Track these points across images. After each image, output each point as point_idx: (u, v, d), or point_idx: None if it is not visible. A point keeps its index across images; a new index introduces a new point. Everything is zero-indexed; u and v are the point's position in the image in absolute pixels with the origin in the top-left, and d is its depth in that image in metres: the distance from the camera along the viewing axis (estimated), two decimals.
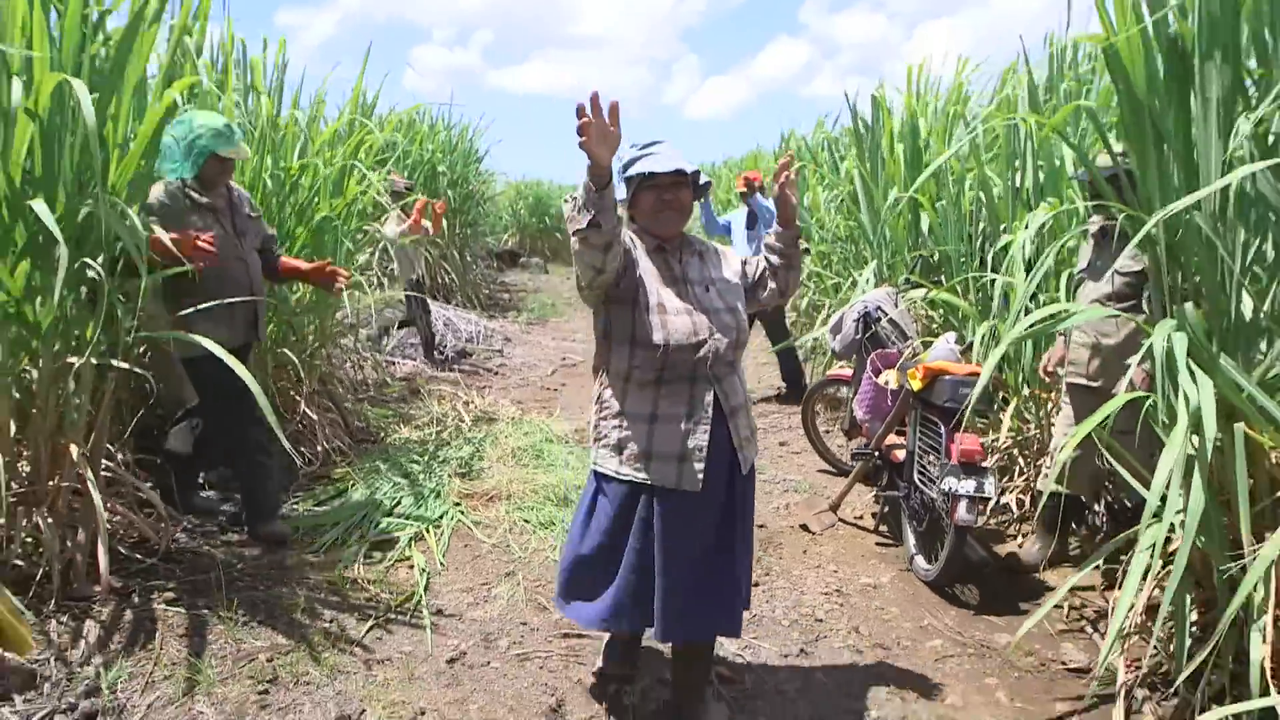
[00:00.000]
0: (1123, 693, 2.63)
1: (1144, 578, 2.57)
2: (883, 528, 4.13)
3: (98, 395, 3.23)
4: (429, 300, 8.19)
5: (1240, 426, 2.51)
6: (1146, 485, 2.56)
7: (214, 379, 3.18)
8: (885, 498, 4.03)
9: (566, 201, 2.11)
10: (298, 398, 4.72)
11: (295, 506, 4.10)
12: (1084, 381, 3.31)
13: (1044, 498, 3.11)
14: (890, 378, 3.89)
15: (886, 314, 4.24)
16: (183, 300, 3.34)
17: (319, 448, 4.65)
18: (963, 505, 3.18)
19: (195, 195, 3.42)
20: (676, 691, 2.56)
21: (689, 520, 2.29)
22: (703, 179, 2.40)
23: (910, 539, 3.69)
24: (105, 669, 2.59)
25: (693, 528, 2.29)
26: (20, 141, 2.82)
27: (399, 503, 4.16)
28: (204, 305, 3.29)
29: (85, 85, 2.76)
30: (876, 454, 4.03)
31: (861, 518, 4.29)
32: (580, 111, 1.94)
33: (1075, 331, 3.39)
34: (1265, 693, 2.31)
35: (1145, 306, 3.15)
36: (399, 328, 7.79)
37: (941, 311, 4.87)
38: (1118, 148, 3.28)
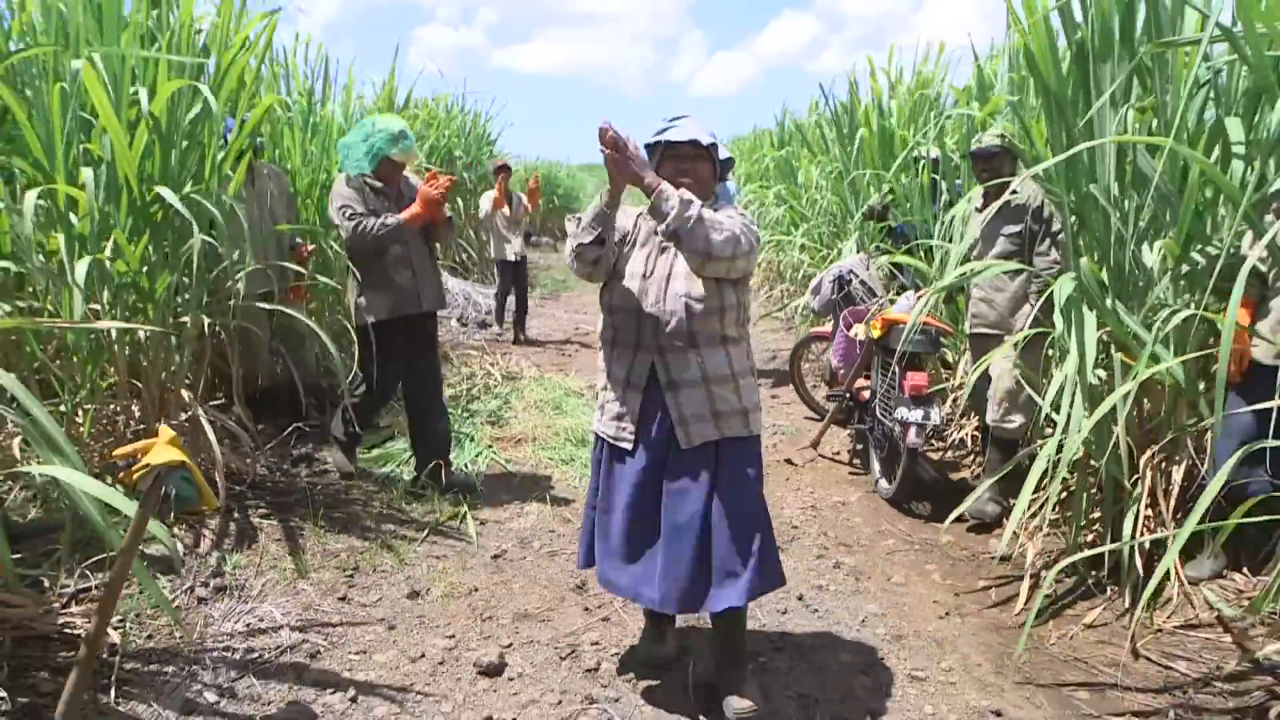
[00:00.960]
0: (1029, 571, 3.30)
1: (1046, 482, 3.24)
2: (855, 461, 4.81)
3: (199, 353, 3.92)
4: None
5: (1119, 356, 3.18)
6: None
7: (377, 341, 3.99)
8: (856, 432, 4.71)
9: (570, 220, 2.42)
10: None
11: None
12: (985, 330, 3.94)
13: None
14: (859, 330, 4.54)
15: (858, 276, 4.90)
16: (367, 273, 3.98)
17: None
18: (912, 431, 3.84)
19: (372, 184, 3.96)
20: (714, 662, 2.61)
21: (623, 477, 2.42)
22: (723, 154, 2.45)
23: (875, 465, 4.37)
24: (224, 560, 3.29)
25: (626, 485, 2.40)
26: (139, 141, 3.49)
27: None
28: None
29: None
30: (848, 395, 4.70)
31: (839, 454, 4.97)
32: (606, 141, 2.17)
33: (974, 289, 4.02)
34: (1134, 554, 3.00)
35: (1032, 262, 3.81)
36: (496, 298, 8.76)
37: (911, 273, 5.52)
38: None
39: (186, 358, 3.84)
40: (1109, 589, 3.23)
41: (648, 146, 2.43)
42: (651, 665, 2.70)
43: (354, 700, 2.52)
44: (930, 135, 5.32)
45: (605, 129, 2.15)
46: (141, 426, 3.78)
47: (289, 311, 3.97)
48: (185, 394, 3.77)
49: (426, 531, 3.77)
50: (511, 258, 8.39)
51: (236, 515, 3.71)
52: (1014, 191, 3.57)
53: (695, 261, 2.24)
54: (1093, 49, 3.31)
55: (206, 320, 3.77)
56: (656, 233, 2.34)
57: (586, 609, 3.13)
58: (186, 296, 3.76)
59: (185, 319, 3.70)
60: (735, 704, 2.40)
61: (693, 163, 2.37)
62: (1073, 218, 3.50)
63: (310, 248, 4.94)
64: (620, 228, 2.45)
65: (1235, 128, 2.95)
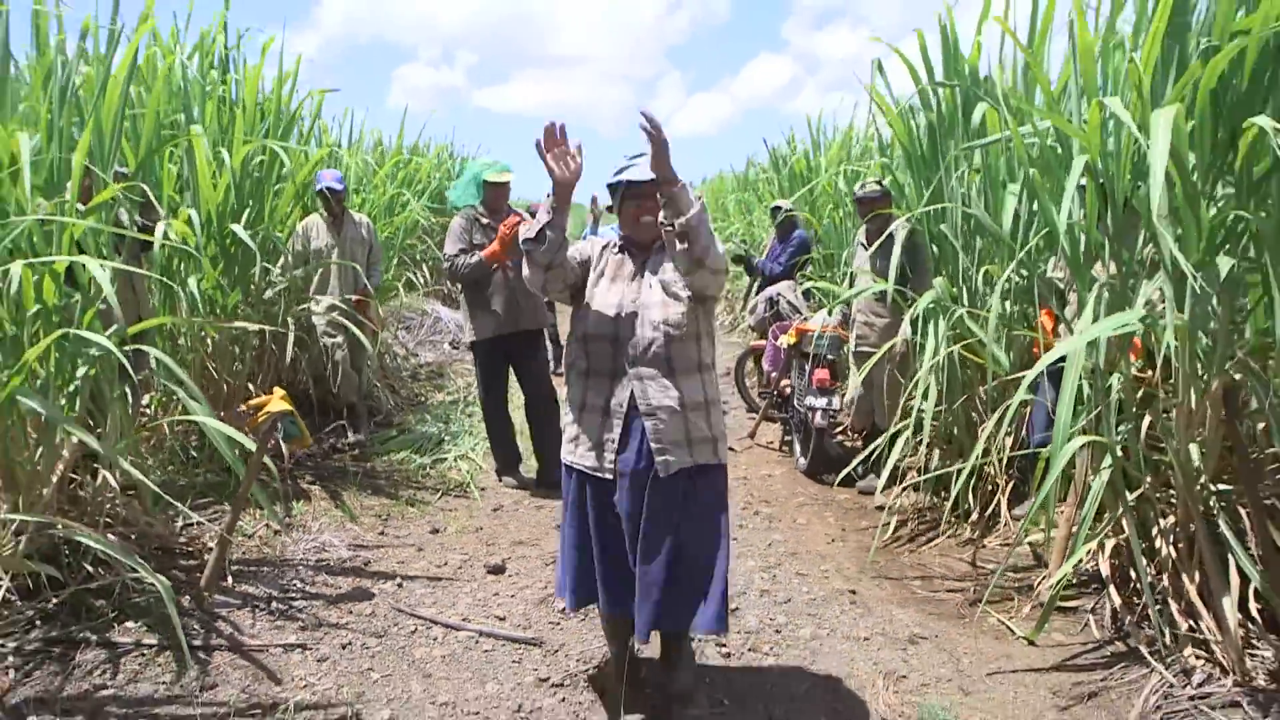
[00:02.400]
0: (897, 517, 4.39)
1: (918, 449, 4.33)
2: (783, 448, 5.90)
3: (260, 355, 4.97)
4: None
5: (957, 347, 4.29)
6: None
7: (480, 359, 4.87)
8: (782, 422, 5.81)
9: (522, 224, 2.49)
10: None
11: (374, 440, 5.83)
12: (868, 349, 4.94)
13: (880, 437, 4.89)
14: (784, 340, 5.65)
15: (785, 297, 6.02)
16: (472, 300, 4.78)
17: (385, 407, 6.37)
18: (818, 415, 4.93)
19: (481, 219, 4.76)
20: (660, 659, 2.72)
21: (608, 510, 2.41)
22: (697, 178, 2.85)
23: (796, 446, 5.46)
24: (289, 509, 4.30)
25: (613, 518, 2.41)
26: (221, 188, 4.55)
27: (442, 439, 5.89)
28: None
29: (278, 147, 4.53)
30: (775, 393, 5.80)
31: (771, 443, 6.06)
32: (548, 133, 2.22)
33: (858, 315, 5.02)
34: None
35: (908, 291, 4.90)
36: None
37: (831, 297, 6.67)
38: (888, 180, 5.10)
39: (249, 359, 4.89)
40: (957, 525, 4.31)
41: (609, 186, 2.47)
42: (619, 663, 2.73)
43: (400, 585, 3.56)
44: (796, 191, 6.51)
45: (649, 114, 2.13)
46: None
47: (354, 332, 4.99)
48: (250, 386, 4.81)
49: (440, 494, 4.81)
50: None
51: (292, 482, 4.72)
52: (890, 233, 4.69)
53: (688, 264, 2.26)
54: (940, 129, 4.49)
55: (265, 328, 4.82)
56: (665, 224, 2.26)
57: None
58: (248, 309, 4.81)
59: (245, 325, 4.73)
60: (677, 680, 2.60)
61: (654, 200, 2.34)
62: (934, 247, 4.66)
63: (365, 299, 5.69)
64: (583, 255, 2.49)
65: (1011, 199, 3.99)
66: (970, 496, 4.20)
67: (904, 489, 4.54)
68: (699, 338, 2.42)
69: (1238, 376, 2.88)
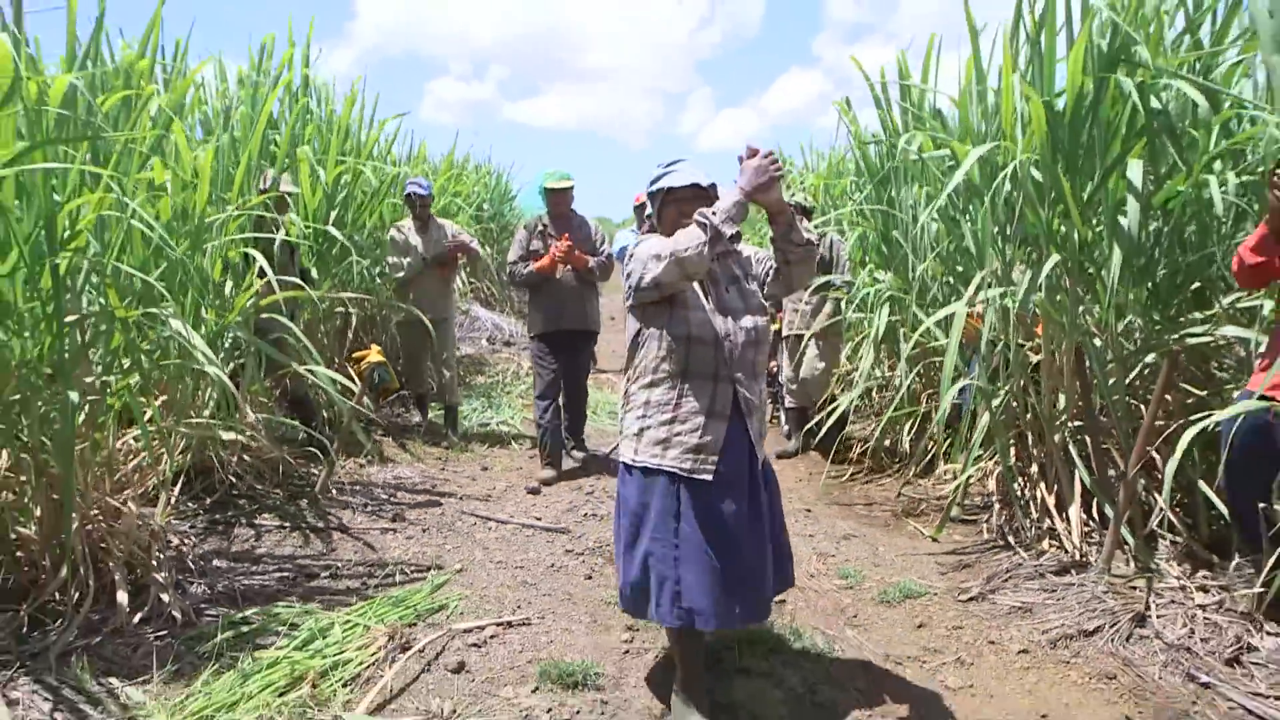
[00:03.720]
0: (853, 468, 5.43)
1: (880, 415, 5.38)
2: (772, 421, 6.94)
3: (343, 329, 6.12)
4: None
5: (903, 329, 5.33)
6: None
7: (534, 351, 5.37)
8: (770, 395, 6.88)
9: (698, 218, 2.30)
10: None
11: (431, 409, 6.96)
12: (797, 333, 5.92)
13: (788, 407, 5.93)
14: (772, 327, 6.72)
15: None
16: (530, 300, 5.37)
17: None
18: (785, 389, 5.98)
19: (545, 225, 5.25)
20: None
21: (723, 511, 2.39)
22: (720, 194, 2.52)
23: (782, 416, 6.51)
24: (373, 444, 5.42)
25: (731, 518, 2.39)
26: (314, 201, 5.69)
27: (487, 409, 7.01)
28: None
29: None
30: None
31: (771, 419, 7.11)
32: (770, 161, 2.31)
33: (786, 303, 5.97)
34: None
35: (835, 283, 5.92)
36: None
37: None
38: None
39: (333, 334, 6.04)
40: (901, 469, 5.35)
41: (650, 193, 2.58)
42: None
43: (461, 500, 4.66)
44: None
45: (770, 152, 2.32)
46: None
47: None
48: (336, 360, 5.96)
49: (487, 444, 5.93)
50: None
51: (367, 434, 5.85)
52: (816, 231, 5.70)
53: (789, 286, 2.57)
54: (890, 153, 5.56)
55: (360, 298, 5.97)
56: (782, 245, 2.47)
57: (589, 474, 5.26)
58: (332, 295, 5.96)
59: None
60: None
61: (694, 204, 2.41)
62: (883, 245, 5.72)
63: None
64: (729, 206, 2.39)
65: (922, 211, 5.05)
66: (911, 447, 5.23)
67: (862, 440, 5.59)
68: (769, 343, 2.62)
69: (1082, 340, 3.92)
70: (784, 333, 6.03)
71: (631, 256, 2.44)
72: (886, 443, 5.52)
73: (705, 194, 2.50)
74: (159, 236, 2.96)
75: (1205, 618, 3.04)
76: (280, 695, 2.53)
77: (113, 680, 2.65)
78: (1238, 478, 2.97)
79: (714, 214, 2.27)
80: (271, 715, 2.37)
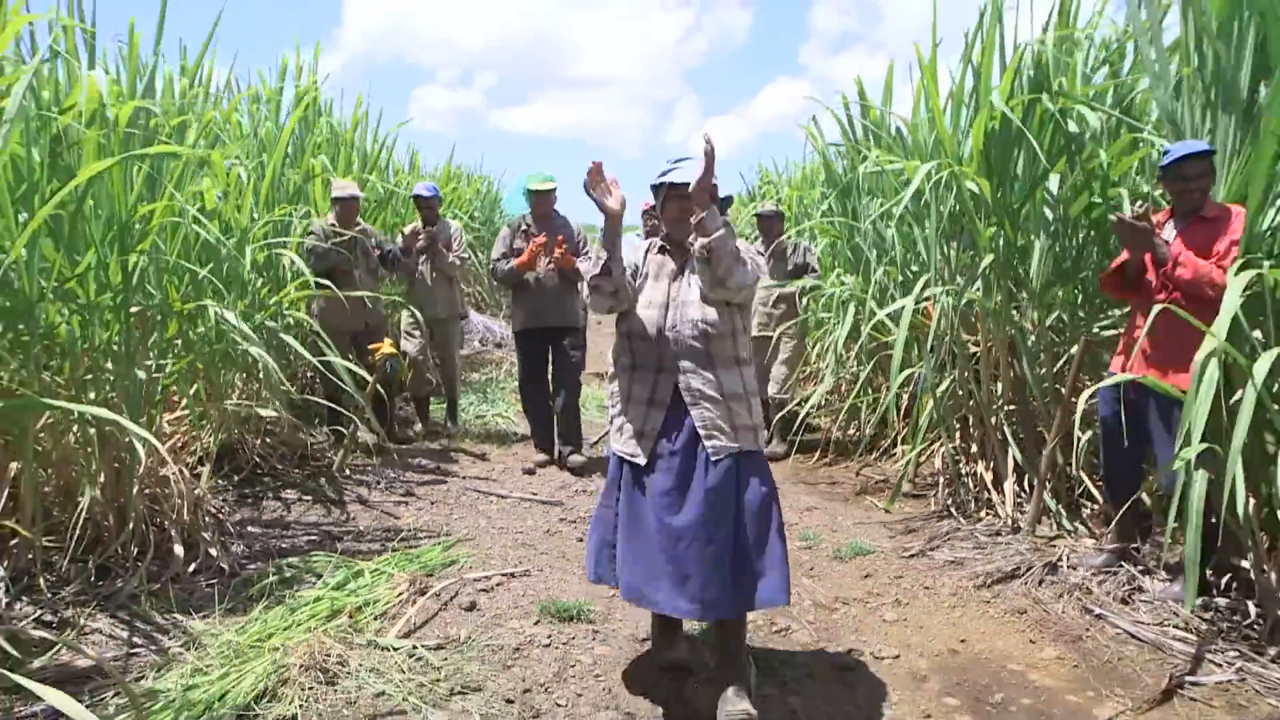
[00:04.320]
0: (820, 454, 5.95)
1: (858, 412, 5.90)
2: None
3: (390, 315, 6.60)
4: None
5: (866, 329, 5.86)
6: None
7: (519, 347, 5.68)
8: None
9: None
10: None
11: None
12: (763, 334, 6.28)
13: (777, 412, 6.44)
14: None
15: None
16: (513, 297, 5.55)
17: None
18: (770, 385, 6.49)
19: (528, 225, 5.45)
20: (716, 664, 2.69)
21: (649, 495, 2.49)
22: (722, 192, 2.64)
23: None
24: (386, 431, 5.90)
25: (653, 502, 2.47)
26: (326, 208, 6.17)
27: (483, 403, 7.50)
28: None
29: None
30: None
31: None
32: (592, 173, 2.39)
33: (757, 307, 6.43)
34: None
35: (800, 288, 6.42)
36: None
37: None
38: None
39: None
40: (864, 454, 5.87)
41: (653, 187, 2.64)
42: (670, 668, 2.80)
43: (464, 480, 5.15)
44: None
45: (709, 137, 2.33)
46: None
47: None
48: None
49: (484, 437, 6.41)
50: None
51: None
52: (788, 239, 6.20)
53: (710, 282, 2.40)
54: (853, 166, 6.09)
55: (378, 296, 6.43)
56: (691, 246, 2.44)
57: (581, 458, 5.75)
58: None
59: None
60: (731, 707, 2.46)
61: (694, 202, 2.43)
62: (849, 252, 6.25)
63: None
64: (630, 263, 2.59)
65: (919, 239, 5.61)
66: (870, 433, 5.76)
67: (828, 429, 6.12)
68: (735, 335, 2.53)
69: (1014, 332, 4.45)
70: (752, 334, 6.40)
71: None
72: (850, 430, 6.05)
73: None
74: (215, 238, 3.45)
75: (1104, 565, 3.57)
76: (324, 624, 3.01)
77: (176, 616, 3.12)
78: (1106, 447, 3.52)
79: (596, 259, 2.53)
80: (319, 637, 2.85)
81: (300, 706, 2.52)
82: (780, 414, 5.94)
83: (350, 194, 5.44)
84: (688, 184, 2.46)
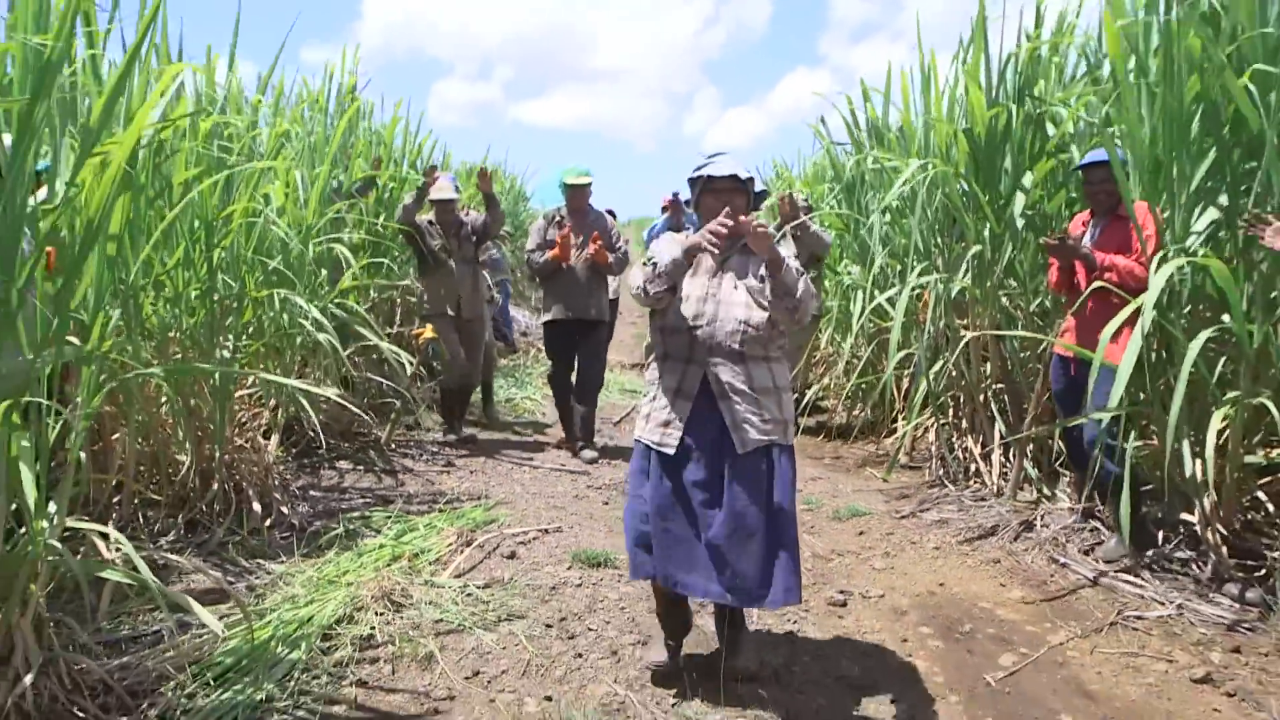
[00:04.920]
0: (827, 434, 6.39)
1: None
2: None
3: (393, 310, 7.10)
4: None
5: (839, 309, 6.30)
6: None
7: (547, 337, 5.75)
8: None
9: (644, 265, 2.54)
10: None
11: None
12: None
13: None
14: None
15: None
16: (545, 288, 5.69)
17: None
18: None
19: (563, 217, 5.58)
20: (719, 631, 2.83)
21: (680, 484, 2.53)
22: (758, 187, 2.70)
23: None
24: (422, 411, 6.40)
25: (686, 491, 2.52)
26: (371, 199, 6.66)
27: (510, 386, 7.99)
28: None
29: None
30: None
31: None
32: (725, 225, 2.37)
33: None
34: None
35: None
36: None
37: None
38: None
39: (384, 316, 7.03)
40: (868, 433, 6.30)
41: (690, 180, 2.68)
42: (659, 669, 2.77)
43: (499, 453, 5.64)
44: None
45: (731, 225, 2.38)
46: None
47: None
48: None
49: (517, 416, 6.90)
50: None
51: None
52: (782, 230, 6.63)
53: (785, 316, 2.46)
54: (858, 182, 6.51)
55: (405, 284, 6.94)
56: (761, 278, 2.48)
57: (603, 436, 6.23)
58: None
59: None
60: (735, 660, 2.72)
61: (730, 195, 2.56)
62: (855, 246, 6.67)
63: None
64: (667, 257, 2.54)
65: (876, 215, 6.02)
66: (872, 412, 6.20)
67: (835, 408, 6.56)
68: (771, 338, 2.56)
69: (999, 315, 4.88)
70: None
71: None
72: (855, 411, 6.49)
73: (743, 187, 2.60)
74: (285, 234, 3.94)
75: (1075, 525, 4.01)
76: (387, 566, 3.51)
77: (259, 560, 3.63)
78: (1062, 413, 3.96)
79: (656, 263, 2.52)
80: (385, 575, 3.34)
81: (374, 628, 3.01)
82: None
83: (448, 196, 5.67)
84: (725, 177, 2.57)
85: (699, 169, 2.65)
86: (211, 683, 2.63)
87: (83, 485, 3.23)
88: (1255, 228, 2.98)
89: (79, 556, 2.67)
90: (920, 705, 2.69)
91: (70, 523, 2.55)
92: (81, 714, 2.37)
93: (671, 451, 2.54)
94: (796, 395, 6.35)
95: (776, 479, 2.54)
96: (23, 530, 2.44)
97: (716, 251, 2.48)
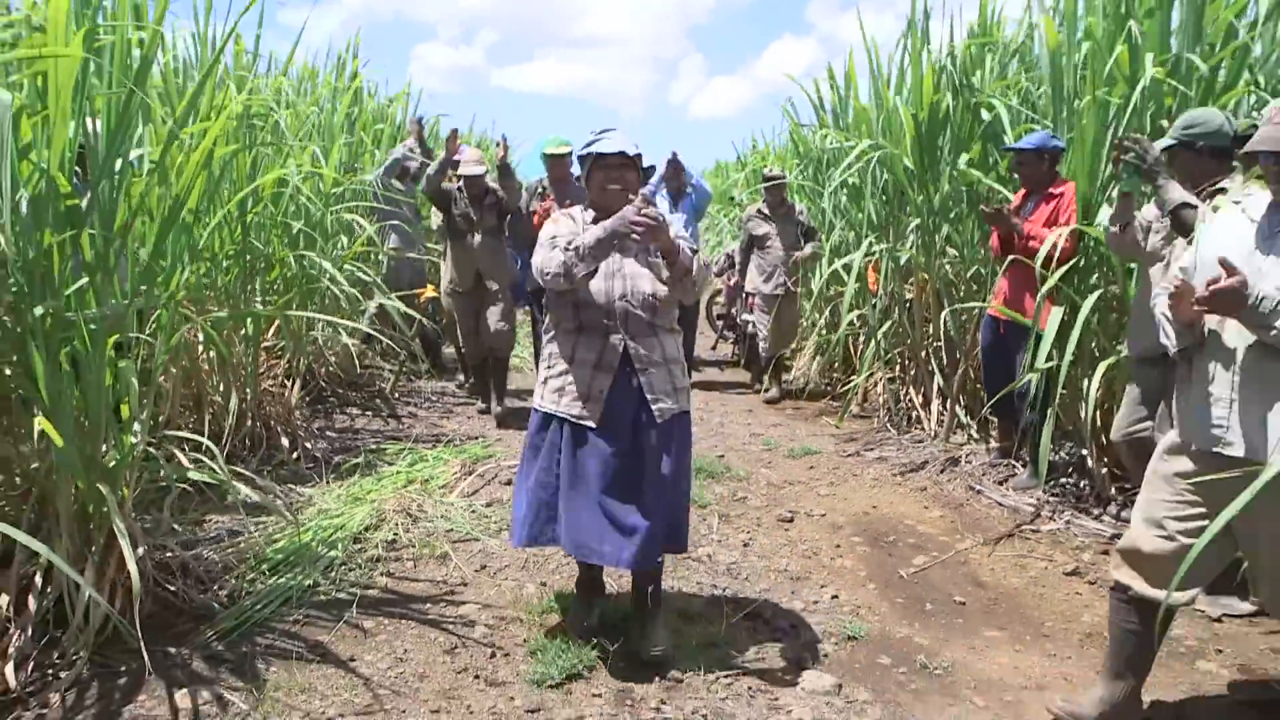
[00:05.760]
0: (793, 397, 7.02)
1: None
2: (734, 357, 8.53)
3: None
4: None
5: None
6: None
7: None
8: (735, 339, 8.46)
9: (554, 242, 2.53)
10: None
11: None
12: (782, 293, 7.41)
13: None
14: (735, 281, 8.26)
15: (734, 253, 8.62)
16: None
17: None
18: (752, 326, 7.54)
19: (545, 188, 5.79)
20: (635, 611, 2.82)
21: (592, 454, 2.57)
22: (646, 163, 2.72)
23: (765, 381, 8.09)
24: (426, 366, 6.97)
25: (598, 460, 2.56)
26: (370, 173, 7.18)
27: None
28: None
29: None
30: (729, 315, 8.42)
31: (726, 355, 8.70)
32: (651, 215, 2.42)
33: (774, 267, 7.54)
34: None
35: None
36: None
37: None
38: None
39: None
40: (834, 393, 6.93)
41: (579, 157, 2.71)
42: (588, 635, 2.80)
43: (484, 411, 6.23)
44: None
45: (647, 204, 2.45)
46: None
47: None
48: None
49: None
50: None
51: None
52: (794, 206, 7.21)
53: (681, 294, 2.62)
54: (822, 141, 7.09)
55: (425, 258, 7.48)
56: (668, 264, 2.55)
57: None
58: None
59: None
60: (651, 645, 2.67)
61: (620, 171, 2.61)
62: (818, 214, 7.26)
63: None
64: (571, 233, 2.60)
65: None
66: (830, 370, 6.83)
67: (804, 370, 7.20)
68: (674, 307, 2.70)
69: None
70: (769, 291, 6.79)
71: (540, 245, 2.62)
72: (813, 369, 7.12)
73: (631, 162, 2.63)
74: (307, 200, 4.48)
75: (994, 461, 4.66)
76: (402, 488, 4.11)
77: (290, 485, 4.21)
78: (985, 369, 4.58)
79: (580, 247, 2.48)
80: (402, 494, 3.94)
81: (396, 535, 3.62)
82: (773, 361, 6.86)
83: (476, 171, 5.54)
84: (614, 154, 2.59)
85: (587, 145, 2.67)
86: (266, 573, 3.23)
87: (168, 406, 3.76)
88: (1120, 154, 3.11)
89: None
90: (844, 590, 3.33)
91: (169, 432, 3.15)
92: (171, 590, 2.96)
93: (594, 424, 2.58)
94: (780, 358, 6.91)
95: (681, 444, 2.71)
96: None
97: (640, 242, 2.49)
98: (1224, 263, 1.94)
